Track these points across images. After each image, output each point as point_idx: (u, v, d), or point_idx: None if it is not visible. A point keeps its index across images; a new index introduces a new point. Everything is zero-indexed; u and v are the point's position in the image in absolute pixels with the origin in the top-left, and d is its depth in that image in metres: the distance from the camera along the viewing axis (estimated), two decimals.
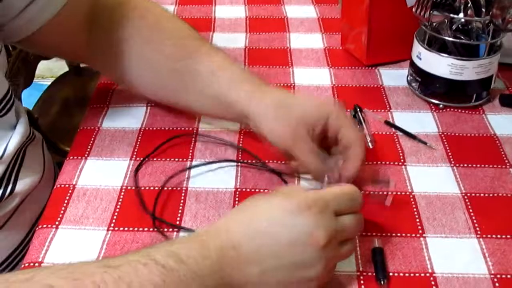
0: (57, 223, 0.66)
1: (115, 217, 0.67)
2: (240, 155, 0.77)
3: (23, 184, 0.74)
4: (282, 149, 0.70)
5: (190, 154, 0.77)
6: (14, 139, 0.73)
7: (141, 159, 0.75)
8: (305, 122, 0.68)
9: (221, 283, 0.53)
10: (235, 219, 0.56)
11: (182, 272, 0.51)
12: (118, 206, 0.69)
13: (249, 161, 0.76)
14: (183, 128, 0.81)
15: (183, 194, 0.71)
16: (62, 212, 0.68)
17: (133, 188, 0.71)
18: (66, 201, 0.70)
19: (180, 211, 0.68)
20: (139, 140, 0.79)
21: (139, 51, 0.79)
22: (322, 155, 0.68)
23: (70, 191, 0.71)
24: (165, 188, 0.71)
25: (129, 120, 0.83)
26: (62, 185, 0.72)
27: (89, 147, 0.78)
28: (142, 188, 0.71)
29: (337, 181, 0.66)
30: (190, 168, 0.75)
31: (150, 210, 0.68)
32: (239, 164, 0.75)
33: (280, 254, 0.54)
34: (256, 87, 0.73)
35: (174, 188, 0.71)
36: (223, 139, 0.79)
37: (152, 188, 0.71)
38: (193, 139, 0.80)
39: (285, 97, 0.72)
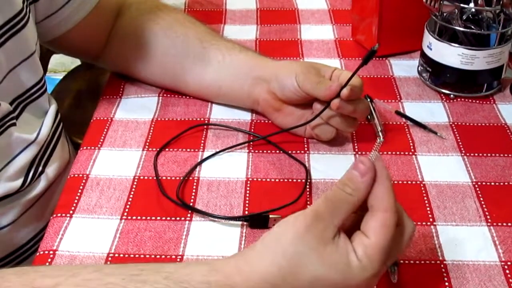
0: (71, 212, 0.67)
1: (128, 206, 0.68)
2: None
3: (52, 168, 0.78)
4: (295, 91, 0.73)
5: (202, 144, 0.77)
6: (46, 123, 0.78)
7: (157, 149, 0.76)
8: (315, 68, 0.74)
9: None
10: (282, 280, 0.49)
11: None
12: (131, 196, 0.70)
13: (259, 137, 0.78)
14: (195, 119, 0.82)
15: (194, 184, 0.71)
16: (76, 201, 0.69)
17: (149, 178, 0.72)
18: (80, 191, 0.70)
19: (192, 199, 0.69)
20: (151, 131, 0.80)
21: (163, 40, 0.83)
22: None
23: (83, 181, 0.72)
24: (177, 178, 0.72)
25: (142, 111, 0.84)
26: (76, 175, 0.73)
27: (102, 137, 0.79)
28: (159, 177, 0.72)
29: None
30: (205, 159, 0.75)
31: (174, 198, 0.69)
32: (251, 151, 0.76)
33: None
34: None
35: (187, 178, 0.72)
36: (235, 127, 0.80)
37: (166, 178, 0.72)
38: (205, 128, 0.80)
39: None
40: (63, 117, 1.42)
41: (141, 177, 0.72)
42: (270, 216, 0.65)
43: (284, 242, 0.49)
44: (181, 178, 0.72)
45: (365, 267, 0.49)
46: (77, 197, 0.69)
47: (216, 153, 0.76)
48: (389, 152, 0.76)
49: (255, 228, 0.65)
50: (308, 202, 0.69)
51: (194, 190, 0.70)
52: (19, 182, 0.73)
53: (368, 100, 0.83)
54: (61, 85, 1.51)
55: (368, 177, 0.51)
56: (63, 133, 0.84)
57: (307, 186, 0.70)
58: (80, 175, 0.73)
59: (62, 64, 2.24)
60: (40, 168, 0.76)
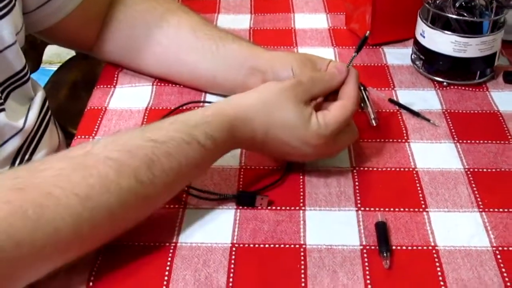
0: None
1: None
2: None
3: (39, 156, 0.78)
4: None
5: None
6: (33, 111, 0.78)
7: None
8: (311, 61, 0.75)
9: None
10: (261, 119, 0.65)
11: (214, 151, 0.64)
12: None
13: None
14: (189, 107, 0.82)
15: None
16: None
17: None
18: None
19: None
20: (145, 120, 0.80)
21: (156, 29, 0.83)
22: None
23: None
24: None
25: (136, 100, 0.84)
26: None
27: (96, 126, 0.79)
28: None
29: None
30: None
31: None
32: None
33: (281, 153, 0.69)
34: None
35: None
36: None
37: None
38: None
39: None
40: (59, 107, 1.43)
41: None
42: (257, 196, 0.67)
43: (270, 89, 0.66)
44: None
45: (320, 126, 0.65)
46: None
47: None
48: (382, 140, 0.76)
49: (243, 206, 0.67)
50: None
51: None
52: (5, 170, 0.73)
53: (362, 88, 0.83)
54: (56, 76, 1.51)
55: (343, 74, 0.69)
56: (51, 120, 0.84)
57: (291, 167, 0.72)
58: None
59: (57, 55, 2.24)
60: (27, 156, 0.77)
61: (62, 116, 1.27)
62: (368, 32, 0.71)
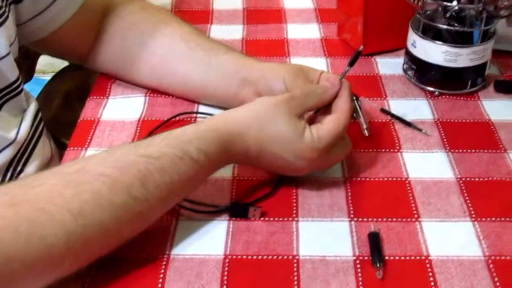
0: None
1: None
2: None
3: (31, 167, 0.78)
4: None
5: None
6: (25, 122, 0.78)
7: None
8: (304, 72, 0.75)
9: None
10: (254, 133, 0.65)
11: (208, 166, 0.64)
12: None
13: None
14: (181, 119, 0.82)
15: None
16: None
17: None
18: None
19: None
20: (138, 131, 0.80)
21: (150, 40, 0.84)
22: None
23: None
24: None
25: (129, 111, 0.84)
26: None
27: (89, 138, 0.79)
28: None
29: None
30: None
31: None
32: None
33: (274, 168, 0.70)
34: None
35: None
36: None
37: None
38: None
39: None
40: (52, 117, 1.42)
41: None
42: (250, 207, 0.67)
43: (263, 104, 0.67)
44: None
45: (313, 140, 0.65)
46: None
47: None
48: (375, 150, 0.76)
49: (236, 217, 0.67)
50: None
51: None
52: None
53: (354, 98, 0.83)
54: (49, 86, 1.51)
55: (336, 87, 0.69)
56: (44, 131, 0.84)
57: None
58: None
59: (51, 65, 2.23)
60: (19, 168, 0.77)
61: (55, 126, 1.27)
62: (362, 46, 0.71)
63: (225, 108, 0.82)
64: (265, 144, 0.66)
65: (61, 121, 1.37)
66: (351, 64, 0.73)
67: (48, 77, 1.62)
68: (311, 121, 0.69)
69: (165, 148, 0.61)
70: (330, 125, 0.67)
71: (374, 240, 0.63)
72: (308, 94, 0.69)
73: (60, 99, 1.46)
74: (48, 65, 2.26)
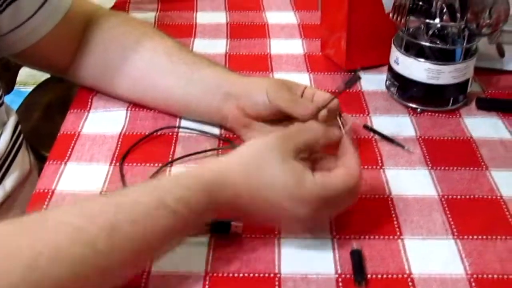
0: None
1: None
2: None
3: (9, 180, 0.77)
4: (268, 107, 0.73)
5: (171, 157, 0.77)
6: (4, 136, 0.77)
7: (125, 164, 0.76)
8: (286, 85, 0.74)
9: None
10: (244, 180, 0.59)
11: (189, 217, 0.56)
12: None
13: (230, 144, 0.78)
14: (163, 133, 0.81)
15: None
16: None
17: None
18: (45, 207, 0.69)
19: None
20: (119, 145, 0.79)
21: (132, 54, 0.83)
22: None
23: (49, 196, 0.71)
24: None
25: (110, 124, 0.83)
26: (41, 190, 0.72)
27: (69, 152, 0.78)
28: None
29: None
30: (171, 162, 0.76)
31: None
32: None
33: (270, 219, 0.63)
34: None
35: None
36: (205, 131, 0.81)
37: None
38: (174, 140, 0.80)
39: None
40: (32, 129, 1.41)
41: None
42: (232, 223, 0.65)
43: (253, 147, 0.61)
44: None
45: (316, 185, 0.58)
46: None
47: (184, 156, 0.76)
48: None
49: (217, 233, 0.65)
50: None
51: None
52: None
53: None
54: (30, 98, 1.49)
55: (338, 133, 0.65)
56: (23, 144, 0.83)
57: None
58: (46, 191, 0.72)
59: (32, 76, 2.21)
60: None
61: (35, 138, 1.25)
62: (360, 70, 0.70)
63: (207, 123, 0.81)
64: (258, 191, 0.59)
65: (42, 133, 1.36)
66: (349, 86, 0.70)
67: (29, 89, 1.60)
68: (316, 162, 0.64)
69: (138, 196, 0.55)
70: (339, 178, 0.60)
71: (357, 258, 0.63)
72: (301, 130, 0.63)
73: (40, 111, 1.45)
74: (29, 77, 2.24)
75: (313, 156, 0.65)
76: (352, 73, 0.70)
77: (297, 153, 0.60)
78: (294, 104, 0.71)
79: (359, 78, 0.70)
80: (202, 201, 0.57)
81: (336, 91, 0.69)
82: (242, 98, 0.76)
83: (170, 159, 0.77)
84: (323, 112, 0.68)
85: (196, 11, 1.16)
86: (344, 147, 0.64)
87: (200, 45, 1.05)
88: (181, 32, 1.08)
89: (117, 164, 0.76)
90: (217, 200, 0.58)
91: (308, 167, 0.60)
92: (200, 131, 0.81)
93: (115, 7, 1.18)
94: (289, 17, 1.14)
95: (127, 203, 0.54)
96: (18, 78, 1.42)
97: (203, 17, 1.14)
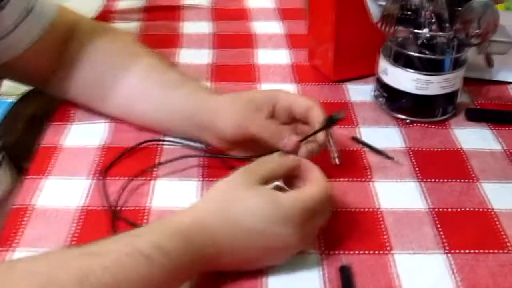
0: (14, 245, 0.64)
1: (74, 238, 0.65)
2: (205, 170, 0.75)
3: None
4: (240, 136, 0.71)
5: (155, 172, 0.75)
6: None
7: (107, 178, 0.74)
8: (254, 101, 0.71)
9: (198, 271, 0.58)
10: (218, 215, 0.58)
11: (166, 263, 0.53)
12: (79, 227, 0.67)
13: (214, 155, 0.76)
14: (146, 146, 0.79)
15: (146, 213, 0.69)
16: (19, 234, 0.65)
17: (97, 208, 0.69)
18: (24, 222, 0.67)
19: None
20: (102, 158, 0.77)
21: (109, 70, 0.80)
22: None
23: (28, 212, 0.69)
24: (130, 208, 0.69)
25: (91, 137, 0.81)
26: (20, 206, 0.69)
27: (49, 166, 0.76)
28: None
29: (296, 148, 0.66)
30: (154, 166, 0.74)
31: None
32: (205, 179, 0.74)
33: (254, 252, 0.59)
34: (212, 92, 0.78)
35: (139, 207, 0.70)
36: (190, 144, 0.78)
37: (118, 207, 0.69)
38: (158, 152, 0.78)
39: (237, 92, 0.76)
40: (15, 141, 1.38)
41: (89, 207, 0.69)
42: None
43: (219, 187, 0.60)
44: (133, 207, 0.69)
45: (292, 198, 0.58)
46: (20, 230, 0.66)
47: (170, 160, 0.75)
48: (346, 179, 0.74)
49: None
50: None
51: (145, 221, 0.68)
52: None
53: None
54: (13, 109, 1.46)
55: (294, 160, 0.64)
56: (5, 158, 0.80)
57: None
58: (24, 206, 0.69)
59: (15, 87, 2.18)
60: None
61: (17, 150, 1.23)
62: (342, 113, 0.68)
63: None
64: (235, 222, 0.57)
65: (25, 146, 1.33)
66: (325, 128, 0.68)
67: (12, 99, 1.57)
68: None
69: (111, 244, 0.53)
70: (312, 188, 0.60)
71: (346, 275, 0.61)
72: (262, 162, 0.63)
73: (23, 122, 1.42)
74: (13, 88, 2.21)
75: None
76: (334, 112, 0.68)
77: (263, 182, 0.60)
78: (276, 139, 0.67)
79: (338, 120, 0.68)
80: (179, 247, 0.54)
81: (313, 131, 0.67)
82: (216, 128, 0.73)
83: (154, 172, 0.75)
84: (304, 151, 0.66)
85: (181, 21, 1.15)
86: (306, 167, 0.63)
87: (185, 55, 1.03)
88: (165, 43, 1.06)
89: (99, 178, 0.74)
90: (195, 245, 0.55)
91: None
92: (184, 143, 0.78)
93: (99, 17, 1.16)
94: (276, 27, 1.13)
95: (99, 250, 0.52)
96: (2, 89, 1.39)
97: (188, 27, 1.12)
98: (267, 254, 0.59)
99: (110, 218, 0.68)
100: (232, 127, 0.71)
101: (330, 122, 0.68)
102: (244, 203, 0.58)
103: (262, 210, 0.57)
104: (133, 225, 0.66)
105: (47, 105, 1.47)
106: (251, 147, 0.71)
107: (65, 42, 0.83)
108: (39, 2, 0.79)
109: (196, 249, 0.55)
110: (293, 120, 0.72)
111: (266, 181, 0.60)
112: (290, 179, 0.64)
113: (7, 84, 1.38)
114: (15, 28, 0.76)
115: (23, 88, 1.63)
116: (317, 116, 0.68)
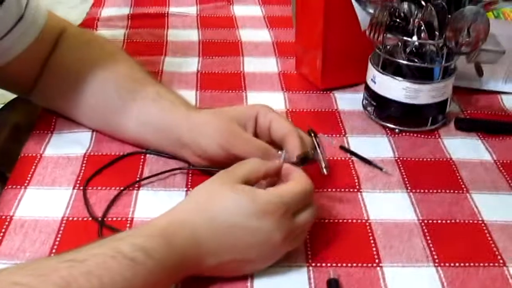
0: None
1: (54, 250, 0.63)
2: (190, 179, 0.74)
3: None
4: (221, 155, 0.69)
5: (138, 182, 0.73)
6: None
7: (88, 188, 0.72)
8: (236, 120, 0.70)
9: (184, 274, 0.57)
10: (198, 214, 0.58)
11: (150, 265, 0.52)
12: (58, 239, 0.64)
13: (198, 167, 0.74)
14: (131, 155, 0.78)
15: (128, 224, 0.67)
16: None
17: (78, 218, 0.67)
18: (2, 234, 0.65)
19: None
20: (83, 168, 0.75)
21: (87, 87, 0.78)
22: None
23: (6, 223, 0.66)
24: (112, 219, 0.67)
25: (74, 146, 0.79)
26: None
27: (29, 175, 0.74)
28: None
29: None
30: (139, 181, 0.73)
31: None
32: (189, 189, 0.72)
33: (238, 250, 0.58)
34: (192, 108, 0.76)
35: (122, 218, 0.68)
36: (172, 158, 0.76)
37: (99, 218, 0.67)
38: (141, 162, 0.76)
39: (218, 109, 0.74)
40: None
41: (70, 218, 0.67)
42: None
43: (200, 189, 0.61)
44: (115, 218, 0.67)
45: (271, 193, 0.58)
46: None
47: (153, 175, 0.74)
48: (333, 189, 0.73)
49: None
50: None
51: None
52: None
53: (312, 134, 0.80)
54: None
55: (276, 164, 0.63)
56: None
57: None
58: (3, 217, 0.67)
59: (2, 95, 2.16)
60: None
61: (2, 160, 1.20)
62: (313, 152, 0.68)
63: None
64: (215, 219, 0.57)
65: (8, 155, 1.30)
66: (301, 162, 0.66)
67: None
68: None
69: (94, 249, 0.52)
70: (292, 184, 0.61)
71: None
72: (242, 163, 0.63)
73: (8, 131, 1.39)
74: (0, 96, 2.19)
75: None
76: (308, 150, 0.68)
77: (242, 181, 0.60)
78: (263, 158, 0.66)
79: (311, 158, 0.67)
80: (162, 249, 0.54)
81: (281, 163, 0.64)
82: (195, 147, 0.71)
83: (136, 184, 0.73)
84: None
85: (168, 28, 1.13)
86: (287, 170, 0.63)
87: (171, 63, 1.01)
88: (151, 50, 1.05)
89: (81, 188, 0.72)
90: (177, 246, 0.55)
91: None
92: (169, 154, 0.76)
93: (84, 24, 1.14)
94: (263, 35, 1.12)
95: (82, 257, 0.51)
96: None
97: (175, 35, 1.11)
98: (250, 252, 0.58)
99: (95, 229, 0.66)
100: (215, 146, 0.69)
101: (302, 160, 0.66)
102: (222, 200, 0.58)
103: (239, 205, 0.57)
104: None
105: (32, 114, 1.45)
106: (232, 165, 0.66)
107: (51, 50, 0.81)
108: (30, 7, 0.77)
109: (179, 250, 0.55)
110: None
111: (245, 181, 0.60)
112: (273, 184, 0.64)
113: None
114: (7, 34, 0.73)
115: (8, 97, 1.61)
116: (292, 147, 0.66)
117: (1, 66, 0.76)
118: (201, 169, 0.73)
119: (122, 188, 0.71)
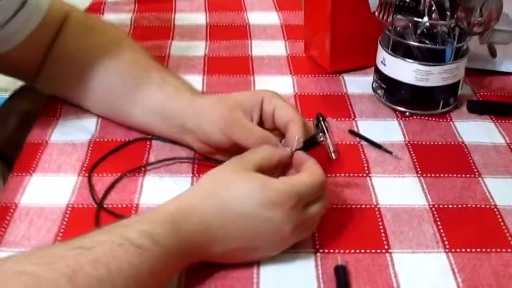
0: None
1: (59, 238, 0.62)
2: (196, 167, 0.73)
3: None
4: (224, 141, 0.68)
5: (143, 170, 0.72)
6: None
7: (94, 174, 0.71)
8: (241, 107, 0.68)
9: (190, 260, 0.56)
10: (207, 200, 0.57)
11: (157, 252, 0.52)
12: (63, 226, 0.64)
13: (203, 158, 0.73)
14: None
15: (133, 212, 0.66)
16: (1, 233, 0.63)
17: (83, 205, 0.67)
18: (7, 221, 0.64)
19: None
20: (89, 154, 0.74)
21: (91, 74, 0.77)
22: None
23: (11, 211, 0.66)
24: (118, 205, 0.67)
25: (79, 133, 0.78)
26: (3, 204, 0.67)
27: (35, 162, 0.73)
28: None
29: None
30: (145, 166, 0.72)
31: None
32: (195, 175, 0.71)
33: (246, 239, 0.57)
34: (197, 94, 0.75)
35: (127, 205, 0.67)
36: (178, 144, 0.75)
37: (105, 205, 0.67)
38: (147, 148, 0.75)
39: (224, 95, 0.73)
40: (7, 138, 1.35)
41: (75, 205, 0.67)
42: None
43: (210, 174, 0.59)
44: (121, 204, 0.67)
45: (284, 182, 0.57)
46: (3, 229, 0.63)
47: (159, 161, 0.73)
48: (342, 174, 0.72)
49: None
50: None
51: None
52: None
53: (321, 118, 0.79)
54: (6, 106, 1.44)
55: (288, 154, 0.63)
56: None
57: None
58: (8, 205, 0.67)
59: (13, 82, 2.16)
60: None
61: (10, 147, 1.20)
62: (321, 136, 0.65)
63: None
64: (226, 206, 0.56)
65: (17, 143, 1.31)
66: (306, 148, 0.64)
67: (6, 95, 1.55)
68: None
69: (100, 236, 0.51)
70: (304, 175, 0.59)
71: (341, 275, 0.58)
72: (255, 150, 0.62)
73: (16, 118, 1.39)
74: (10, 83, 2.19)
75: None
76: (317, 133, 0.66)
77: (254, 169, 0.58)
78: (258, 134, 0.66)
79: (318, 143, 0.65)
80: (169, 234, 0.53)
81: (293, 150, 0.63)
82: (198, 133, 0.70)
83: (142, 168, 0.72)
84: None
85: (175, 12, 1.12)
86: (300, 159, 0.62)
87: (179, 47, 1.00)
88: (158, 34, 1.04)
89: (86, 175, 0.71)
90: (184, 231, 0.54)
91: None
92: (174, 142, 0.75)
93: (90, 9, 1.13)
94: (272, 18, 1.10)
95: (88, 244, 0.50)
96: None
97: (182, 19, 1.09)
98: (258, 241, 0.57)
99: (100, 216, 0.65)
100: (218, 132, 0.67)
101: (309, 144, 0.65)
102: (233, 188, 0.57)
103: (251, 194, 0.56)
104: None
105: (40, 101, 1.44)
106: (236, 153, 0.65)
107: (55, 35, 0.80)
108: None
109: (186, 236, 0.54)
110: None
111: (257, 168, 0.59)
112: (285, 173, 0.63)
113: (4, 79, 1.36)
114: (10, 19, 0.73)
115: (19, 83, 1.61)
116: (296, 132, 0.65)
117: (5, 52, 0.75)
118: (208, 161, 0.72)
119: (121, 174, 0.71)
